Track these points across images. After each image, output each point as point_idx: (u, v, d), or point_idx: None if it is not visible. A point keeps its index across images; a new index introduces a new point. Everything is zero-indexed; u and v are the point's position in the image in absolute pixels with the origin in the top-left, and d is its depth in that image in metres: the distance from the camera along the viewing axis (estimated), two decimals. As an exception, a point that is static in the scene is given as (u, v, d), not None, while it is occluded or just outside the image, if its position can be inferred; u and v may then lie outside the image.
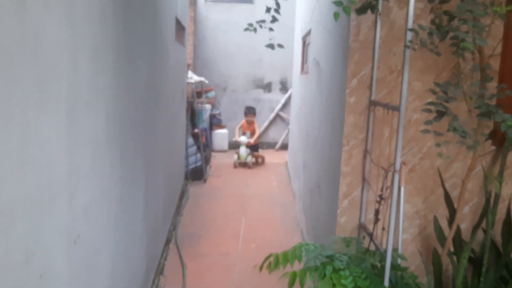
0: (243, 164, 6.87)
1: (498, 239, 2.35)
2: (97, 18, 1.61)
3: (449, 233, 2.20)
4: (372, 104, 2.34)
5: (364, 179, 2.45)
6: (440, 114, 1.60)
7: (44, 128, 1.22)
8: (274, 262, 2.08)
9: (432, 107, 1.63)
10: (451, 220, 2.25)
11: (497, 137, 2.26)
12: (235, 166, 6.82)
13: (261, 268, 2.08)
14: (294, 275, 1.92)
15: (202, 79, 7.23)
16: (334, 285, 1.82)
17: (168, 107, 3.82)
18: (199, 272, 3.40)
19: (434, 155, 2.38)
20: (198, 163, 6.06)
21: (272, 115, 8.57)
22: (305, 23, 4.93)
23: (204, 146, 7.00)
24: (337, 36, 2.74)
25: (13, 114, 1.04)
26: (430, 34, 1.58)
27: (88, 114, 1.53)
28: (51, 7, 1.24)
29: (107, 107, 1.72)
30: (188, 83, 6.62)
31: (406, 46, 1.67)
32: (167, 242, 3.80)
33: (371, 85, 2.34)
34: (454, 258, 2.25)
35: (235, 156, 6.84)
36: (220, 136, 8.20)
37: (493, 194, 2.20)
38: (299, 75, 5.63)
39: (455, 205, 2.24)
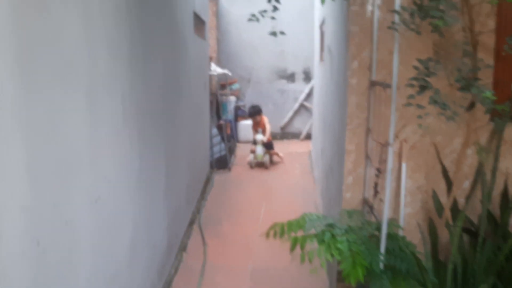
0: (260, 164, 6.50)
1: (497, 211, 2.44)
2: (111, 13, 1.84)
3: (445, 205, 2.31)
4: (372, 84, 2.47)
5: (367, 156, 2.59)
6: (422, 88, 1.73)
7: (68, 106, 1.45)
8: (280, 230, 2.27)
9: (415, 82, 1.76)
10: (448, 194, 2.37)
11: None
12: (251, 167, 6.45)
13: (267, 235, 2.28)
14: (295, 240, 2.10)
15: (226, 71, 7.45)
16: (329, 247, 1.99)
17: (191, 97, 4.05)
18: (219, 250, 3.63)
19: (434, 132, 2.50)
20: (223, 153, 6.30)
21: (296, 105, 8.70)
22: (321, 12, 5.05)
23: (229, 137, 7.24)
24: (342, 21, 2.87)
25: (42, 95, 1.27)
26: (412, 14, 1.71)
27: (105, 95, 1.76)
28: (69, 3, 1.46)
29: (123, 91, 1.95)
30: (211, 75, 6.86)
31: (391, 28, 1.80)
32: (191, 223, 4.04)
33: (371, 66, 2.47)
34: (452, 229, 2.36)
35: (251, 156, 6.47)
36: (245, 127, 8.40)
37: (489, 167, 2.29)
38: (318, 63, 5.76)
39: (452, 179, 2.35)
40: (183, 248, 3.54)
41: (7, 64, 1.10)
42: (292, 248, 2.12)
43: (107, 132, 1.78)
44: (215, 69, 7.00)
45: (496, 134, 2.39)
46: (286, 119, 8.73)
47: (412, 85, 1.75)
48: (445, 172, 2.40)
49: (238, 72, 8.61)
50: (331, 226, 2.22)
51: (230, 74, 7.62)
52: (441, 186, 2.54)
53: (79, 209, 1.53)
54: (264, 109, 8.60)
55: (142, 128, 2.30)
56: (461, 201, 2.51)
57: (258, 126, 6.74)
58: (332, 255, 2.02)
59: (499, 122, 2.17)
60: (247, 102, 8.74)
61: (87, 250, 1.61)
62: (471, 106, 1.87)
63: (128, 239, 2.10)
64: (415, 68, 1.77)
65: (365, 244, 2.10)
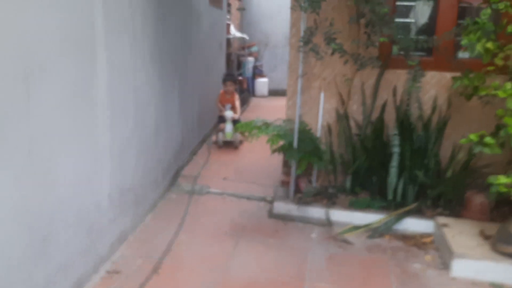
0: (229, 144, 5.80)
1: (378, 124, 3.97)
2: (147, -1, 3.48)
3: (341, 116, 3.89)
4: (306, 45, 4.01)
5: (298, 90, 4.16)
6: (305, 43, 3.25)
7: (124, 50, 3.12)
8: (244, 128, 3.90)
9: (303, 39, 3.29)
10: (344, 110, 3.93)
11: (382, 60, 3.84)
12: (219, 147, 5.76)
13: (238, 129, 3.92)
14: (243, 127, 3.73)
15: (244, 36, 9.02)
16: (261, 131, 3.62)
17: (203, 51, 5.69)
18: (218, 156, 5.38)
19: (342, 74, 4.02)
20: (236, 100, 7.97)
21: (306, 67, 10.15)
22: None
23: (244, 90, 8.88)
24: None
25: (121, 38, 2.94)
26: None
27: (140, 42, 3.41)
28: (126, -3, 3.11)
29: (150, 39, 3.61)
30: (234, 39, 8.45)
31: (291, 8, 3.33)
32: (202, 142, 5.78)
33: (302, 31, 4.00)
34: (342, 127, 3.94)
35: (219, 135, 5.73)
36: (261, 84, 10.00)
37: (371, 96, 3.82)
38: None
39: (345, 101, 3.91)
40: (194, 152, 5.30)
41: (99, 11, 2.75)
42: (252, 137, 3.72)
43: (141, 62, 3.44)
44: (234, 34, 8.57)
45: (378, 76, 3.92)
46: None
47: (302, 40, 3.31)
48: (342, 98, 3.96)
49: (257, 37, 10.14)
50: (268, 124, 3.85)
51: (247, 38, 9.17)
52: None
53: (135, 109, 3.22)
54: (279, 69, 10.17)
55: (162, 63, 3.97)
56: (354, 117, 4.05)
57: (227, 100, 5.96)
58: (266, 134, 3.65)
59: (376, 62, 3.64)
60: (264, 62, 10.29)
61: (133, 130, 3.31)
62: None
63: (153, 124, 3.81)
64: (304, 31, 3.32)
65: (285, 132, 3.73)
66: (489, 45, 2.91)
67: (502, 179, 2.63)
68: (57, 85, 2.25)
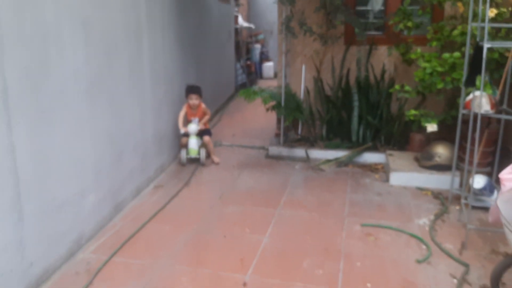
0: (195, 160, 4.95)
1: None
2: None
3: (317, 81, 5.23)
4: (286, 29, 5.35)
5: (286, 63, 5.50)
6: (287, 29, 4.58)
7: (158, 37, 4.51)
8: (246, 95, 5.25)
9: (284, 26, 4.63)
10: (318, 76, 5.27)
11: (346, 39, 5.16)
12: (182, 164, 4.88)
13: (241, 94, 5.31)
14: (244, 93, 5.10)
15: (251, 25, 10.36)
16: (257, 94, 4.98)
17: (215, 39, 7.08)
18: (228, 120, 6.79)
19: (317, 50, 5.34)
20: (244, 81, 9.37)
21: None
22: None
23: (252, 73, 10.27)
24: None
25: (149, 34, 4.35)
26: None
27: (169, 32, 4.81)
28: None
29: (172, 30, 5.00)
30: (242, 28, 9.80)
31: (277, 2, 4.67)
32: (216, 112, 7.20)
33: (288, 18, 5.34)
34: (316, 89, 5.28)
35: (183, 153, 4.86)
36: (268, 67, 11.34)
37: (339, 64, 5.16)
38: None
39: (319, 70, 5.26)
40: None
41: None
42: (252, 99, 5.08)
43: (169, 47, 4.83)
44: (242, 24, 9.92)
45: (345, 51, 5.24)
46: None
47: (282, 25, 4.65)
48: (316, 68, 5.29)
49: (263, 26, 11.47)
50: (262, 89, 5.22)
51: (253, 27, 10.51)
52: (323, 77, 5.43)
53: (165, 79, 4.62)
54: (282, 54, 11.46)
55: (183, 48, 5.35)
56: (329, 83, 5.38)
57: (193, 115, 5.00)
58: (261, 97, 5.02)
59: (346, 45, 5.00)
60: (270, 48, 11.62)
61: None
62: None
63: (177, 92, 5.20)
64: (284, 18, 4.67)
65: (275, 95, 5.09)
66: (409, 24, 4.21)
67: (412, 112, 3.96)
68: (124, 59, 3.67)
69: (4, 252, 2.37)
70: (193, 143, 4.86)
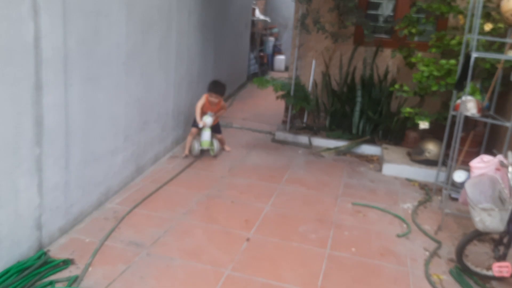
0: (207, 152, 4.97)
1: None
2: (199, -10, 5.31)
3: (325, 75, 5.68)
4: (302, 25, 5.79)
5: (298, 56, 5.94)
6: (302, 26, 5.01)
7: (183, 22, 4.96)
8: (259, 83, 5.70)
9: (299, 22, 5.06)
10: (326, 71, 5.72)
11: (355, 39, 5.60)
12: (195, 156, 4.86)
13: (255, 81, 5.76)
14: (257, 81, 5.55)
15: (267, 18, 10.78)
16: (269, 82, 5.43)
17: (232, 29, 7.52)
18: (241, 105, 7.25)
19: (327, 47, 5.78)
20: (256, 71, 9.82)
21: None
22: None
23: (264, 64, 10.71)
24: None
25: (167, 23, 4.79)
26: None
27: (194, 16, 5.25)
28: (188, -11, 4.95)
29: (195, 16, 5.45)
30: (258, 21, 10.22)
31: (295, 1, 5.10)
32: (229, 97, 7.65)
33: (304, 15, 5.77)
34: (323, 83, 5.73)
35: (196, 145, 4.81)
36: (279, 60, 11.76)
37: (347, 63, 5.60)
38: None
39: (328, 65, 5.70)
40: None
41: None
42: (264, 86, 5.54)
43: (192, 30, 5.28)
44: (259, 16, 10.34)
45: (353, 50, 5.69)
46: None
47: (299, 21, 5.08)
48: (327, 65, 5.74)
49: (279, 20, 11.88)
50: (275, 79, 5.67)
51: (269, 20, 10.93)
52: (331, 72, 5.88)
53: (187, 60, 5.07)
54: (294, 49, 11.88)
55: (204, 33, 5.80)
56: (336, 79, 5.82)
57: (209, 109, 4.90)
58: (273, 85, 5.47)
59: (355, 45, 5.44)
60: (283, 42, 12.04)
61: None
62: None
63: (196, 72, 5.66)
64: (298, 17, 5.10)
65: (285, 84, 5.54)
66: (414, 30, 4.65)
67: (408, 109, 4.41)
68: (156, 38, 4.13)
69: (54, 189, 2.86)
70: (207, 135, 4.82)
